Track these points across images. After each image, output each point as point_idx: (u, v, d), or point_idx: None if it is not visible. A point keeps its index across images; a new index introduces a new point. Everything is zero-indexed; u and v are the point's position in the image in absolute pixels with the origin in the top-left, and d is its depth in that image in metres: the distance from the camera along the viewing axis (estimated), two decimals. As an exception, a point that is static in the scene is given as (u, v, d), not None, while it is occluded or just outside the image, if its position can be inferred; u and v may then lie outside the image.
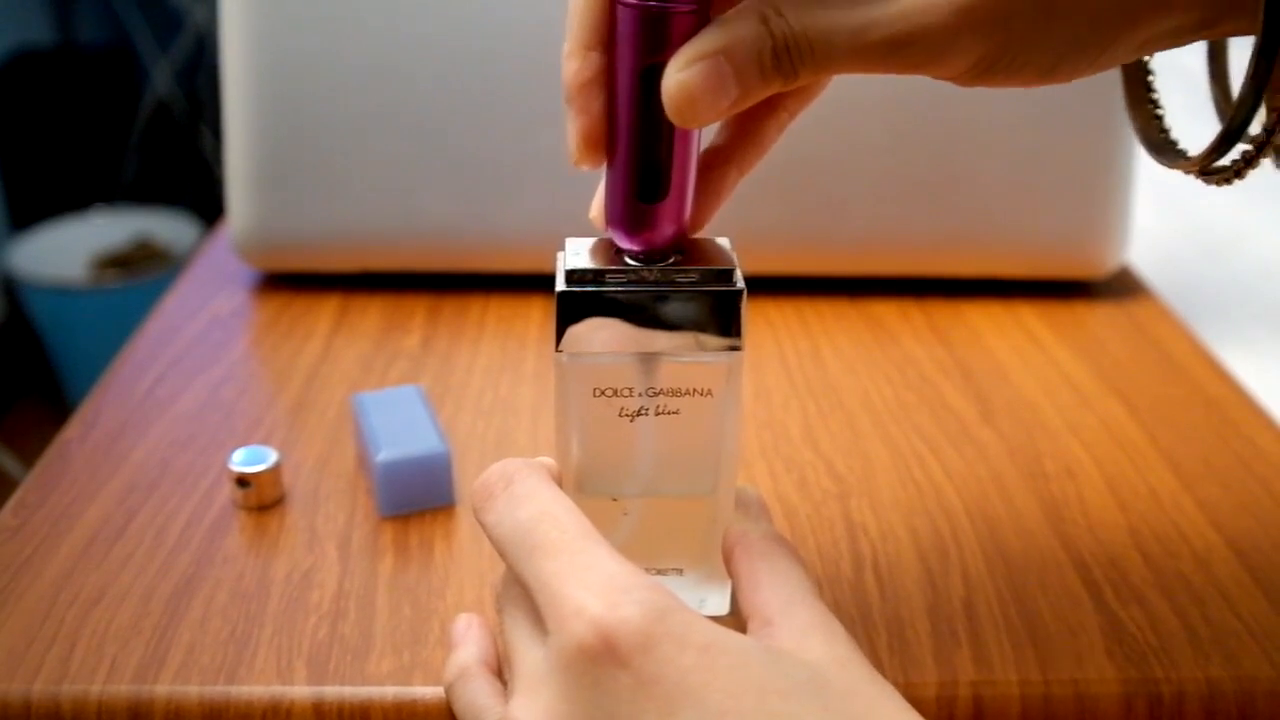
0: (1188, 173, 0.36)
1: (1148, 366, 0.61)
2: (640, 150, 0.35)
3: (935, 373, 0.61)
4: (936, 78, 0.32)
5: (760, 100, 0.33)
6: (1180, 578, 0.46)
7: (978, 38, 0.30)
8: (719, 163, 0.38)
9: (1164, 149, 0.38)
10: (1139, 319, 0.66)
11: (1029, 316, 0.66)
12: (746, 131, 0.38)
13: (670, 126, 0.34)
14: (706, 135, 0.38)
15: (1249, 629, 0.43)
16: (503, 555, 0.34)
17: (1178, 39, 0.32)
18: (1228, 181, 0.34)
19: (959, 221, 0.66)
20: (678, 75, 0.32)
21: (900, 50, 0.31)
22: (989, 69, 0.31)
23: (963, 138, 0.64)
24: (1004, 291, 0.68)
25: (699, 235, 0.38)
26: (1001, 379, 0.60)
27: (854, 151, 0.64)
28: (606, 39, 0.34)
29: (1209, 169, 0.35)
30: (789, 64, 0.31)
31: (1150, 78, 0.38)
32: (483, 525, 0.35)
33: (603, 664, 0.30)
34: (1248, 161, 0.33)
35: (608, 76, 0.34)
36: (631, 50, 0.33)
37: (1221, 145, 0.33)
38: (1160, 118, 0.38)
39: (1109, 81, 0.64)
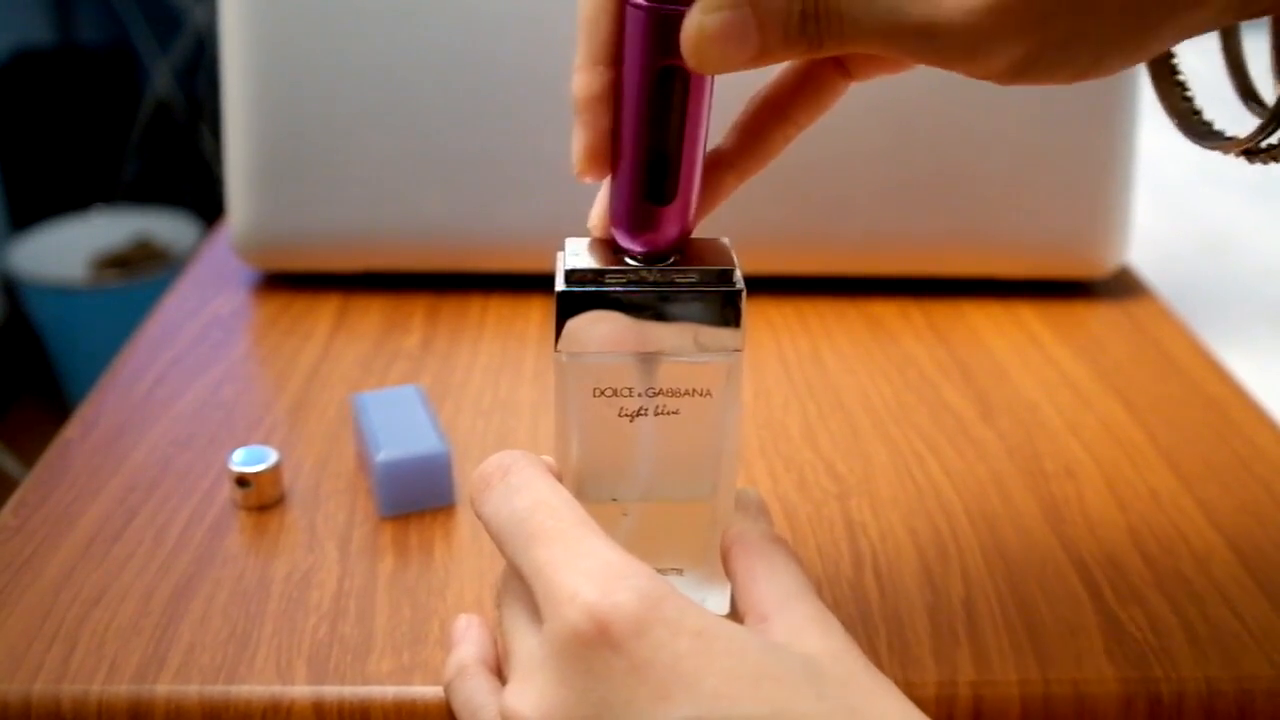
0: (1228, 153, 0.36)
1: (1148, 366, 0.61)
2: (649, 151, 0.35)
3: (935, 373, 0.61)
4: (971, 76, 0.32)
5: (781, 61, 0.32)
6: (1180, 577, 0.46)
7: (1014, 39, 0.30)
8: (720, 167, 0.38)
9: (1201, 131, 0.37)
10: (1139, 319, 0.66)
11: (1029, 316, 0.66)
12: (752, 139, 0.38)
13: (680, 129, 0.34)
14: (711, 139, 0.38)
15: (1248, 629, 0.43)
16: (500, 545, 0.34)
17: (1217, 23, 0.31)
18: (1276, 160, 0.34)
19: (959, 221, 0.66)
20: (699, 18, 0.31)
21: (933, 42, 0.30)
22: (1026, 69, 0.31)
23: (963, 138, 0.64)
24: (1004, 291, 0.68)
25: (699, 236, 0.38)
26: (1001, 379, 0.60)
27: (854, 151, 0.64)
28: (615, 54, 0.34)
29: (1255, 149, 0.34)
30: (815, 31, 0.31)
31: (1174, 60, 0.38)
32: (480, 516, 0.35)
33: (596, 649, 0.30)
34: None
35: (617, 78, 0.34)
36: (641, 52, 0.33)
37: (1272, 123, 0.33)
38: (1191, 100, 0.38)
39: (1110, 81, 0.64)
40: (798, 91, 0.38)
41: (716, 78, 0.34)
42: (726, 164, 0.38)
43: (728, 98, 0.39)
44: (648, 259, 0.36)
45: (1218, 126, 0.37)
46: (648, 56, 0.33)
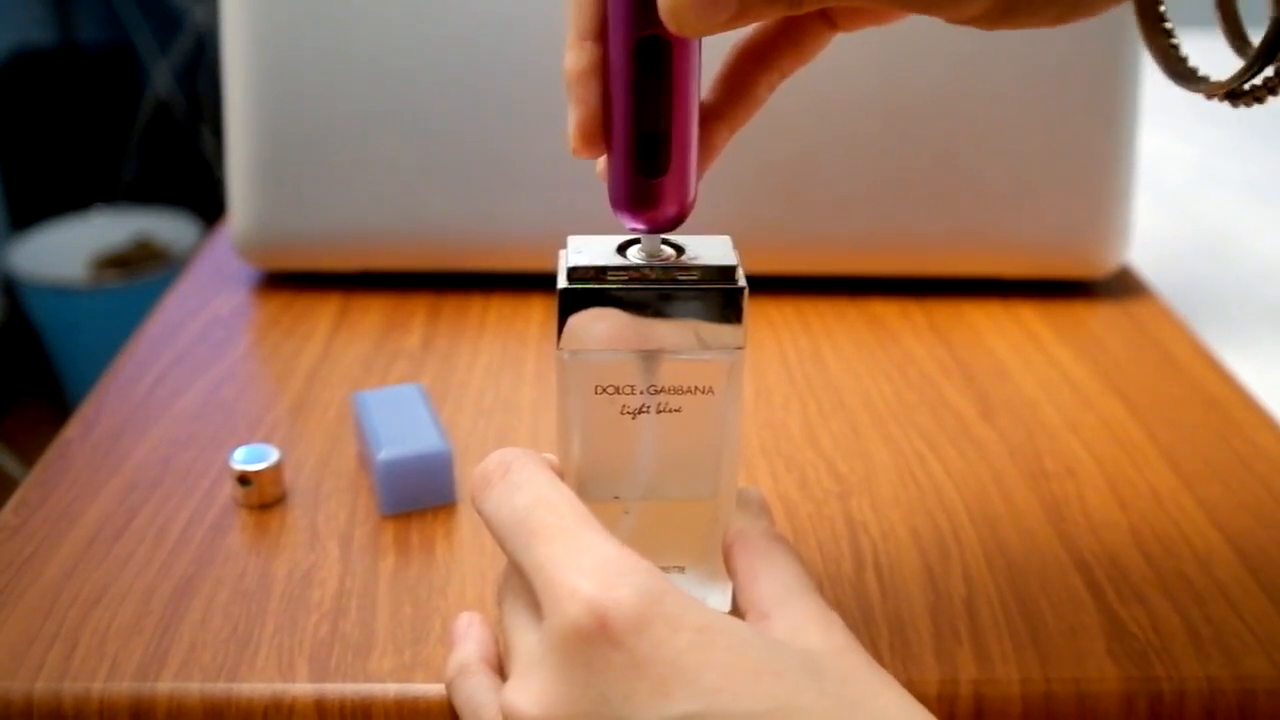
0: (1212, 96, 0.35)
1: (1148, 366, 0.62)
2: (639, 124, 0.34)
3: (936, 372, 0.61)
4: (954, 21, 0.31)
5: (762, 20, 0.31)
6: (1181, 577, 0.46)
7: None
8: (710, 120, 0.37)
9: (1186, 75, 0.37)
10: (1139, 319, 0.66)
11: (1029, 316, 0.66)
12: (737, 89, 0.38)
13: (668, 99, 0.34)
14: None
15: (1250, 628, 0.43)
16: (500, 542, 0.34)
17: None
18: (1259, 101, 0.34)
19: (959, 221, 0.66)
20: None
21: None
22: (1008, 11, 0.30)
23: (963, 137, 0.64)
24: (1004, 291, 0.68)
25: (700, 235, 0.37)
26: (1002, 378, 0.60)
27: (854, 151, 0.64)
28: (602, 28, 0.34)
29: (1239, 91, 0.34)
30: None
31: (1161, 7, 0.38)
32: (481, 513, 0.35)
33: (596, 644, 0.30)
34: None
35: (604, 54, 0.34)
36: (624, 24, 0.33)
37: (1257, 62, 0.33)
38: (1176, 45, 0.38)
39: (1110, 81, 0.64)
40: (781, 40, 0.37)
41: (703, 46, 0.34)
42: (715, 116, 0.37)
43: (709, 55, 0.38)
44: (649, 252, 0.36)
45: (1202, 72, 0.37)
46: (629, 26, 0.33)
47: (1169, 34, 0.37)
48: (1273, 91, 0.33)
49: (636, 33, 0.33)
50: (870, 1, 0.31)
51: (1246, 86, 0.34)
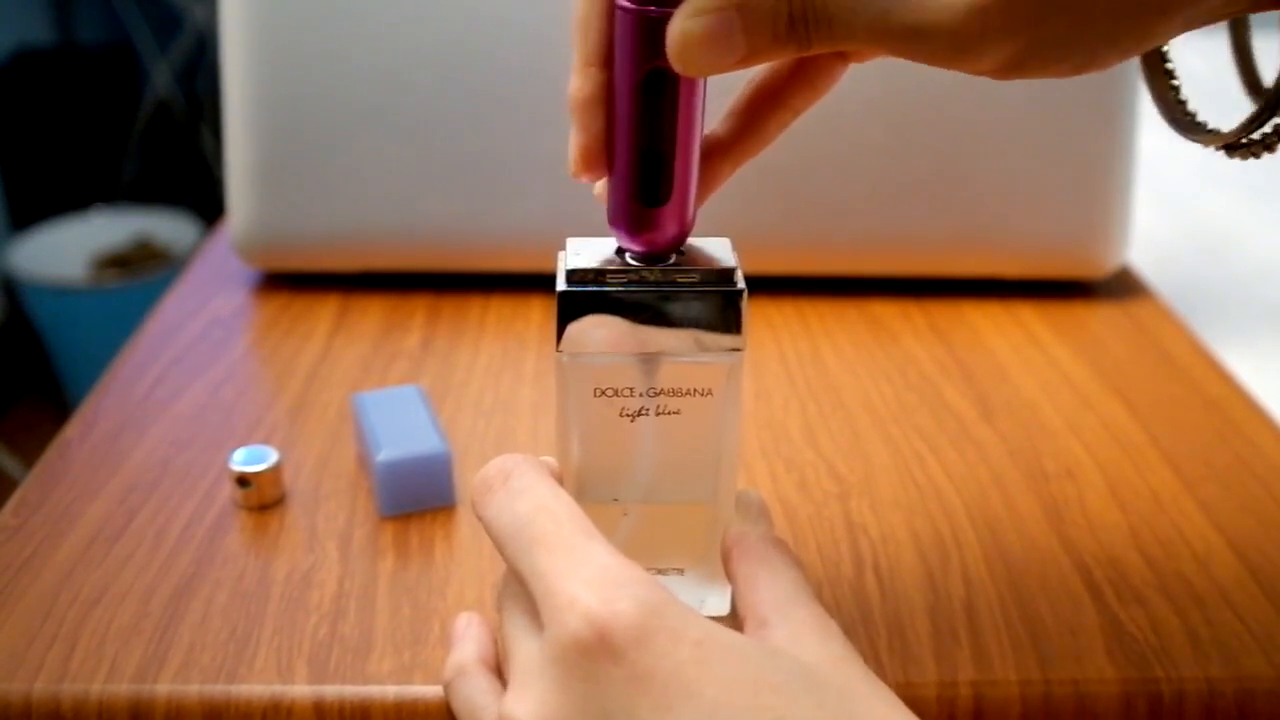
0: (1209, 146, 0.35)
1: (1148, 366, 0.61)
2: (641, 154, 0.35)
3: (936, 373, 0.61)
4: (968, 72, 0.31)
5: (771, 62, 0.32)
6: (1181, 578, 0.46)
7: (1003, 39, 0.29)
8: (716, 153, 0.38)
9: (1187, 125, 0.37)
10: (1139, 319, 0.66)
11: (1029, 316, 0.66)
12: (749, 126, 0.38)
13: (671, 131, 0.34)
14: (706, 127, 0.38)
15: (1249, 629, 0.43)
16: (501, 549, 0.34)
17: (1214, 17, 0.30)
18: (1256, 155, 0.34)
19: (959, 221, 0.66)
20: (683, 23, 0.31)
21: (923, 43, 0.30)
22: (1018, 67, 0.30)
23: (963, 138, 0.64)
24: (1004, 291, 0.68)
25: (699, 236, 0.37)
26: (1002, 379, 0.60)
27: (854, 151, 0.64)
28: (608, 56, 0.34)
29: (1237, 144, 0.34)
30: (804, 32, 0.30)
31: (1166, 50, 0.38)
32: (481, 520, 0.35)
33: (597, 657, 0.30)
34: None
35: (610, 82, 0.34)
36: (631, 55, 0.33)
37: (1258, 118, 0.33)
38: (1178, 90, 0.37)
39: (1110, 81, 0.64)
40: (794, 76, 0.37)
41: (715, 79, 0.34)
42: (722, 151, 0.38)
43: (724, 84, 0.39)
44: (648, 258, 0.36)
45: (1201, 118, 0.37)
46: (636, 59, 0.33)
47: (1171, 77, 0.37)
48: (1270, 149, 0.33)
49: (642, 65, 0.33)
50: (879, 51, 0.31)
51: (1245, 140, 0.33)
